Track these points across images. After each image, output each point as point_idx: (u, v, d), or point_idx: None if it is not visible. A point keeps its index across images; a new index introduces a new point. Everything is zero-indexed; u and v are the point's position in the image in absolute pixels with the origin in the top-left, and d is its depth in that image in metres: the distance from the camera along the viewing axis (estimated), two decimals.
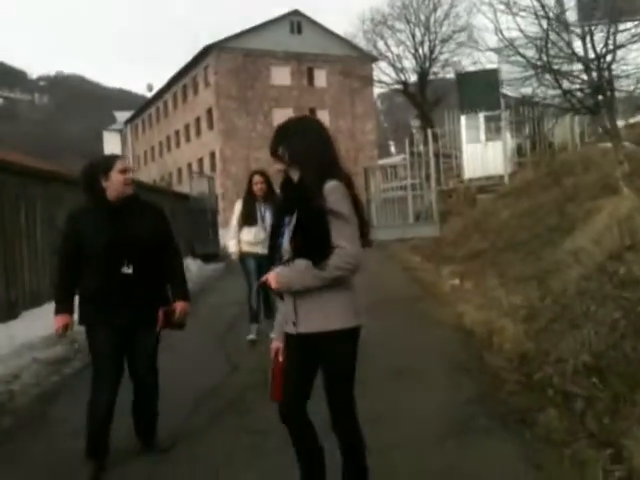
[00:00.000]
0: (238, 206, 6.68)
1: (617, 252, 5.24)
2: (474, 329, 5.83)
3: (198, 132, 48.25)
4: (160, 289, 3.58)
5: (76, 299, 3.47)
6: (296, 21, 47.46)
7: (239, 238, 6.57)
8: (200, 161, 47.31)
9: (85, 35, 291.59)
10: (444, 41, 32.09)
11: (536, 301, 5.63)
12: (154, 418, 3.67)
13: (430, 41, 32.16)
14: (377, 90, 47.75)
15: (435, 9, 32.23)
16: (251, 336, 6.58)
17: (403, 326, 6.83)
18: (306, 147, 2.55)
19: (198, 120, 48.04)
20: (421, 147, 18.22)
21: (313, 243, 2.40)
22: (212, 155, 45.74)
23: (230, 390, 4.91)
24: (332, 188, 2.41)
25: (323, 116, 47.50)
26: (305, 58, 47.12)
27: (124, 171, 3.41)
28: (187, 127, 50.52)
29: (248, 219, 6.49)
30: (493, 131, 19.15)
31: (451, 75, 30.54)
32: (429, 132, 17.98)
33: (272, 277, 2.47)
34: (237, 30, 45.43)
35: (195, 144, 48.71)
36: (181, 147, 51.93)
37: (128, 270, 3.32)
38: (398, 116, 70.52)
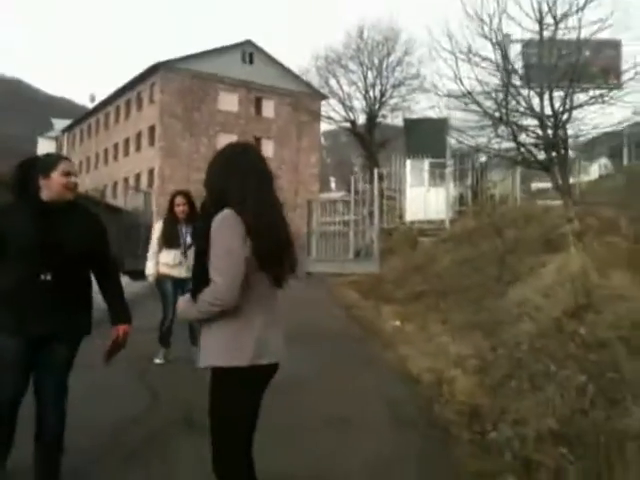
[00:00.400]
0: (158, 227, 6.57)
1: (572, 310, 5.07)
2: (420, 376, 5.50)
3: (138, 147, 47.16)
4: (82, 299, 3.23)
5: None
6: (248, 51, 47.57)
7: (157, 259, 6.45)
8: (137, 176, 46.11)
9: (27, 39, 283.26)
10: (395, 86, 32.83)
11: (487, 352, 5.38)
12: (57, 455, 3.15)
13: (381, 85, 32.85)
14: (324, 126, 48.20)
15: (389, 54, 32.95)
16: (157, 360, 6.48)
17: (341, 367, 6.43)
18: (211, 173, 2.50)
19: (139, 135, 47.01)
20: (366, 185, 18.14)
21: (193, 275, 2.44)
22: (150, 172, 44.71)
23: (150, 423, 4.40)
24: (218, 218, 2.33)
25: (268, 146, 47.56)
26: (254, 87, 47.15)
27: (67, 174, 3.11)
28: (127, 141, 49.32)
29: (168, 241, 6.40)
30: (437, 177, 19.39)
31: (399, 120, 31.11)
32: (375, 171, 17.97)
33: (178, 304, 2.57)
34: (188, 52, 45.08)
35: (134, 159, 47.54)
36: (119, 161, 50.59)
37: (46, 277, 3.01)
38: (342, 154, 71.25)
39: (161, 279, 6.44)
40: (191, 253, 5.91)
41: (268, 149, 47.78)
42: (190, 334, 6.39)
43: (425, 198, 18.81)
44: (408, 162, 20.12)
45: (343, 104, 34.10)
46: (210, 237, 2.30)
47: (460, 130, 12.16)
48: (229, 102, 46.25)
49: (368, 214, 17.67)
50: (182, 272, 6.17)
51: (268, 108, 48.35)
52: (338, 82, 34.88)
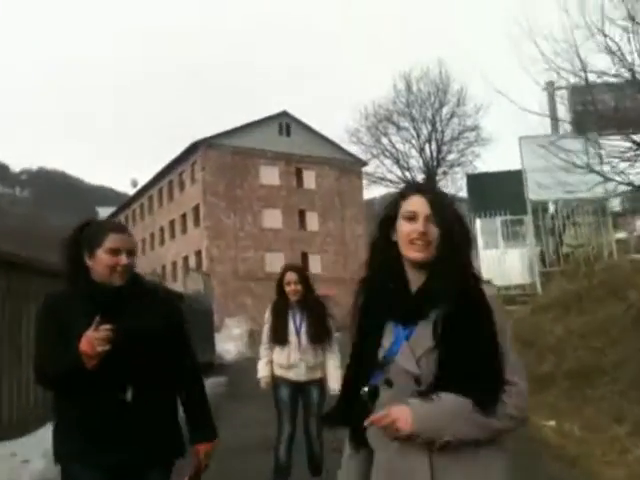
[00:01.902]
0: (268, 315, 5.07)
1: None
2: None
3: (184, 229, 46.78)
4: (172, 420, 2.54)
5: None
6: (285, 122, 47.56)
7: (270, 358, 4.97)
8: (185, 259, 45.54)
9: (69, 132, 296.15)
10: (452, 140, 31.41)
11: None
12: None
13: (437, 140, 31.45)
14: (366, 195, 47.04)
15: (441, 106, 31.62)
16: None
17: None
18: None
19: (184, 217, 46.74)
20: None
21: (481, 372, 1.59)
22: (198, 253, 44.08)
23: None
24: (494, 294, 1.77)
25: (312, 218, 46.80)
26: (293, 159, 46.81)
27: (116, 252, 2.39)
28: (172, 223, 49.10)
29: (277, 335, 4.89)
30: (511, 237, 17.83)
31: (459, 176, 29.54)
32: None
33: (400, 414, 1.56)
34: (226, 128, 45.20)
35: (180, 241, 47.13)
36: (165, 244, 50.29)
37: (126, 395, 2.33)
38: None
39: (276, 384, 4.93)
40: (309, 348, 4.72)
41: (313, 221, 46.95)
42: (310, 461, 4.89)
43: (500, 260, 17.23)
44: (477, 221, 18.64)
45: (398, 163, 32.66)
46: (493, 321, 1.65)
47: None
48: (270, 175, 45.90)
49: None
50: (301, 374, 4.81)
51: (309, 179, 47.84)
52: (390, 140, 33.42)
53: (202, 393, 2.67)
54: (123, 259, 2.39)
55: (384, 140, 33.25)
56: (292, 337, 4.80)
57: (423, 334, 1.69)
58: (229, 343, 20.19)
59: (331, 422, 1.87)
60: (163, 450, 2.48)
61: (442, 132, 31.56)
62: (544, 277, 15.85)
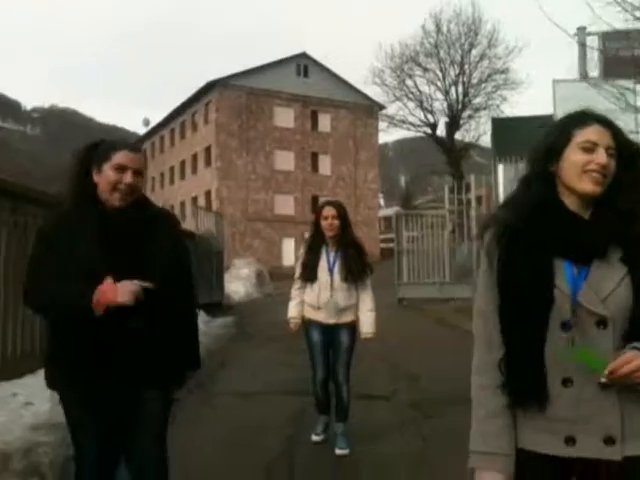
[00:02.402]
0: (301, 252, 4.75)
1: None
2: None
3: (194, 169, 46.36)
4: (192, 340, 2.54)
5: None
6: (303, 64, 46.44)
7: (301, 298, 4.61)
8: (194, 200, 45.21)
9: (81, 70, 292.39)
10: (480, 83, 30.04)
11: None
12: None
13: (464, 83, 30.11)
14: (390, 137, 46.15)
15: (471, 48, 30.19)
16: (316, 437, 4.66)
17: None
18: None
19: (195, 157, 46.28)
20: (454, 196, 16.05)
21: None
22: (207, 194, 43.76)
23: None
24: None
25: (325, 161, 46.33)
26: (310, 101, 45.89)
27: (121, 168, 2.29)
28: (183, 163, 48.71)
29: (307, 272, 4.56)
30: None
31: (483, 120, 28.49)
32: (472, 177, 15.93)
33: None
34: (242, 69, 44.14)
35: (190, 182, 46.80)
36: (175, 184, 50.03)
37: (137, 323, 2.23)
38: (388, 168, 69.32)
39: (306, 325, 4.62)
40: (341, 288, 4.37)
41: (325, 165, 46.57)
42: (336, 407, 4.60)
43: None
44: (500, 167, 17.94)
45: (421, 106, 31.39)
46: None
47: None
48: (285, 117, 45.13)
49: (457, 228, 15.63)
50: (330, 315, 4.46)
51: (324, 122, 47.03)
52: (415, 83, 31.94)
53: (194, 335, 2.56)
54: (128, 177, 2.27)
55: (409, 82, 31.78)
56: (323, 275, 4.46)
57: (604, 273, 1.52)
58: (237, 283, 19.91)
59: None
60: (164, 374, 2.38)
61: (470, 74, 29.99)
62: None
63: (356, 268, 4.44)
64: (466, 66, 29.56)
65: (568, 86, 15.18)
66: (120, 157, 2.29)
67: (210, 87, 43.52)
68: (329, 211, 4.48)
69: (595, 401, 1.48)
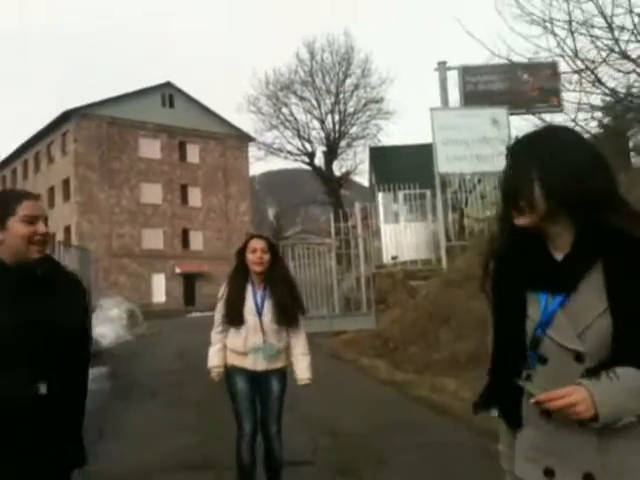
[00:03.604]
0: (223, 291, 4.07)
1: None
2: None
3: (52, 203, 43.07)
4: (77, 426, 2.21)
5: None
6: (168, 93, 45.18)
7: (224, 343, 3.99)
8: (52, 236, 41.81)
9: None
10: (355, 112, 30.21)
11: None
12: None
13: (340, 112, 30.17)
14: (255, 170, 45.94)
15: (345, 78, 30.38)
16: None
17: None
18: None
19: (52, 190, 43.04)
20: (340, 225, 15.66)
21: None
22: (67, 230, 40.77)
23: None
24: None
25: (195, 193, 45.02)
26: (177, 132, 44.64)
27: (32, 219, 2.10)
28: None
29: (231, 314, 3.92)
30: (414, 211, 17.23)
31: (360, 150, 28.76)
32: (356, 206, 15.59)
33: (579, 396, 1.36)
34: (103, 97, 42.02)
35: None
36: None
37: (41, 389, 2.01)
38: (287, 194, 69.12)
39: (230, 373, 3.93)
40: (271, 331, 3.85)
41: (195, 197, 45.34)
42: (268, 465, 3.90)
43: (402, 235, 16.60)
44: (380, 195, 17.96)
45: (299, 135, 31.06)
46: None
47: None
48: (151, 149, 43.49)
49: (343, 257, 15.21)
50: (260, 361, 3.85)
51: (193, 153, 45.90)
52: (291, 111, 31.64)
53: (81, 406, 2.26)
54: (41, 227, 2.12)
55: (285, 110, 31.46)
56: (250, 317, 3.86)
57: (587, 301, 1.42)
58: (106, 326, 18.07)
59: (481, 407, 1.61)
60: (66, 460, 2.14)
61: (345, 104, 30.25)
62: (448, 253, 15.35)
63: (289, 308, 3.89)
64: (341, 95, 29.87)
65: (445, 114, 15.46)
66: (28, 208, 2.11)
67: (67, 116, 41.09)
68: (258, 244, 3.92)
69: (574, 436, 1.42)
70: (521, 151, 1.51)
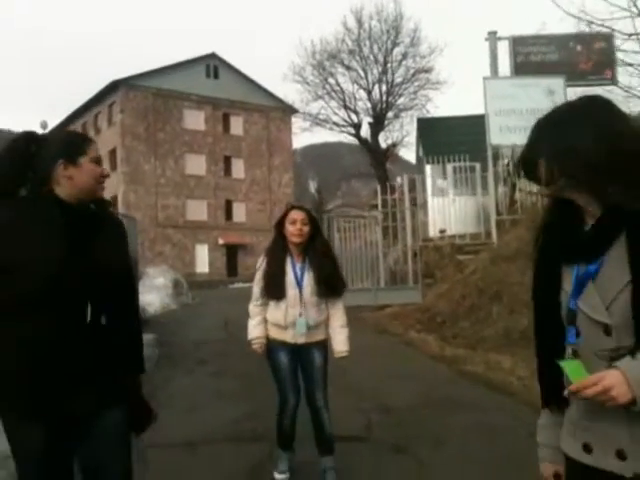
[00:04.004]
0: (261, 262, 3.92)
1: None
2: None
3: None
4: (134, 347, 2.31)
5: None
6: (213, 65, 45.07)
7: (264, 316, 3.85)
8: None
9: None
10: (404, 82, 29.38)
11: None
12: None
13: (387, 81, 29.39)
14: (298, 143, 45.56)
15: (393, 47, 29.47)
16: (280, 475, 3.86)
17: None
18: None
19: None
20: (387, 197, 15.31)
21: None
22: (113, 199, 41.34)
23: None
24: None
25: (238, 165, 45.08)
26: (221, 104, 44.58)
27: (99, 161, 2.22)
28: None
29: (271, 287, 3.77)
30: (463, 184, 16.73)
31: (407, 120, 28.06)
32: (404, 177, 15.21)
33: (614, 380, 1.32)
34: (148, 69, 42.14)
35: None
36: None
37: (86, 315, 2.06)
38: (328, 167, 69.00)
39: (271, 347, 3.82)
40: (311, 304, 3.72)
41: (239, 168, 45.40)
42: (319, 438, 3.79)
43: (450, 209, 16.13)
44: (428, 168, 17.50)
45: (345, 106, 30.28)
46: None
47: None
48: (195, 120, 43.59)
49: (389, 230, 14.89)
50: (300, 334, 3.72)
51: (237, 125, 45.84)
52: (337, 81, 30.70)
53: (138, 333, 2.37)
54: (106, 169, 2.27)
55: (331, 80, 30.51)
56: (290, 289, 3.74)
57: (611, 274, 1.40)
58: (152, 294, 18.24)
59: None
60: (120, 389, 2.20)
61: (393, 73, 29.14)
62: (498, 227, 14.89)
63: (329, 280, 3.76)
64: (389, 64, 28.95)
65: (498, 83, 14.90)
66: (96, 150, 2.25)
67: (114, 87, 41.41)
68: (297, 215, 3.77)
69: (608, 413, 1.38)
70: (536, 124, 1.52)
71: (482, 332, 8.99)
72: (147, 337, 10.15)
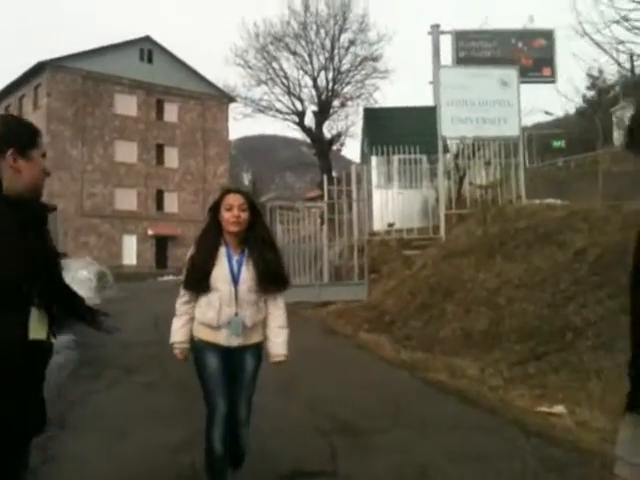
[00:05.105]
0: (191, 253, 3.40)
1: None
2: None
3: None
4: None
5: None
6: (147, 48, 43.20)
7: (191, 315, 3.33)
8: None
9: None
10: (351, 70, 28.54)
11: None
12: None
13: (334, 69, 28.46)
14: (232, 135, 44.09)
15: (341, 32, 28.56)
16: None
17: None
18: None
19: None
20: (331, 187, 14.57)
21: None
22: None
23: None
24: None
25: (172, 154, 43.47)
26: (155, 89, 42.83)
27: (44, 156, 2.21)
28: None
29: (201, 281, 3.24)
30: (410, 177, 16.20)
31: (353, 109, 27.35)
32: (353, 168, 14.49)
33: None
34: (77, 50, 39.93)
35: None
36: None
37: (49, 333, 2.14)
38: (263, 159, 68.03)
39: (199, 350, 3.28)
40: (248, 302, 3.21)
41: (172, 157, 43.78)
42: (233, 451, 3.26)
43: (396, 202, 15.57)
44: (373, 159, 16.89)
45: (289, 92, 29.07)
46: None
47: None
48: (127, 105, 41.77)
49: (329, 223, 14.19)
50: (233, 336, 3.21)
51: (171, 112, 44.24)
52: (281, 66, 29.41)
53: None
54: (47, 167, 2.26)
55: (275, 65, 29.21)
56: (224, 285, 3.21)
57: None
58: (74, 288, 16.85)
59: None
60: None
61: (340, 60, 28.20)
62: (447, 222, 14.39)
63: (271, 276, 3.26)
64: (336, 51, 28.10)
65: (453, 72, 14.46)
66: (44, 144, 2.21)
67: (40, 68, 39.14)
68: (235, 199, 3.28)
69: None
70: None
71: (437, 333, 8.39)
72: (64, 339, 8.95)
